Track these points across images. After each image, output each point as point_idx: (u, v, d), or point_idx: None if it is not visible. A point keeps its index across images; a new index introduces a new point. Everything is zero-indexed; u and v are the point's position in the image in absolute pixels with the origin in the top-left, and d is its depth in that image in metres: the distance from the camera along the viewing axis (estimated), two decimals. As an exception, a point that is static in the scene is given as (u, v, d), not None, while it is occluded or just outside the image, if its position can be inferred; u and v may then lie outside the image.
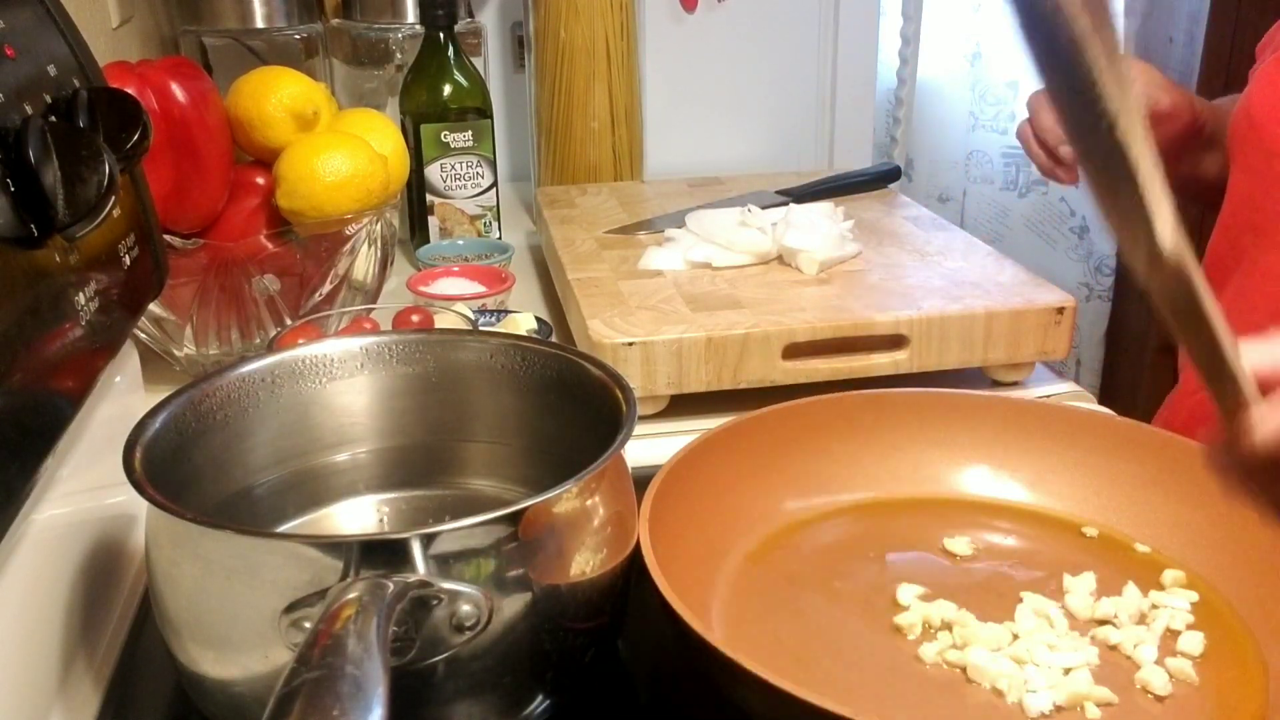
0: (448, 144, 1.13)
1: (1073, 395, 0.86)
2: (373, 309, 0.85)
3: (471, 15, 1.27)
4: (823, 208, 1.03)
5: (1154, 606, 0.61)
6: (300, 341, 0.63)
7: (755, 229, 0.96)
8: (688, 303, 0.86)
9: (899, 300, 0.86)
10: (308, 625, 0.43)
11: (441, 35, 1.13)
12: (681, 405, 0.82)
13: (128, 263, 0.60)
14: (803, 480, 0.70)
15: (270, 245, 0.83)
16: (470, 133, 1.13)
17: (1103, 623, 0.60)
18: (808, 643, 0.59)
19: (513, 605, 0.47)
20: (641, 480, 0.58)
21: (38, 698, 0.51)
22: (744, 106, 1.28)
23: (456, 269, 1.03)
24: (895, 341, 0.84)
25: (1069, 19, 0.37)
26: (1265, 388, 0.45)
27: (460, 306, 0.85)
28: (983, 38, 1.80)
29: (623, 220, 1.08)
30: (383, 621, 0.40)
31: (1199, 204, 0.95)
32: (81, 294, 0.53)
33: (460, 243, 1.14)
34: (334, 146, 0.84)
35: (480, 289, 0.99)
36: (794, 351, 0.82)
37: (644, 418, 0.82)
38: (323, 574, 0.44)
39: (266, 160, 0.86)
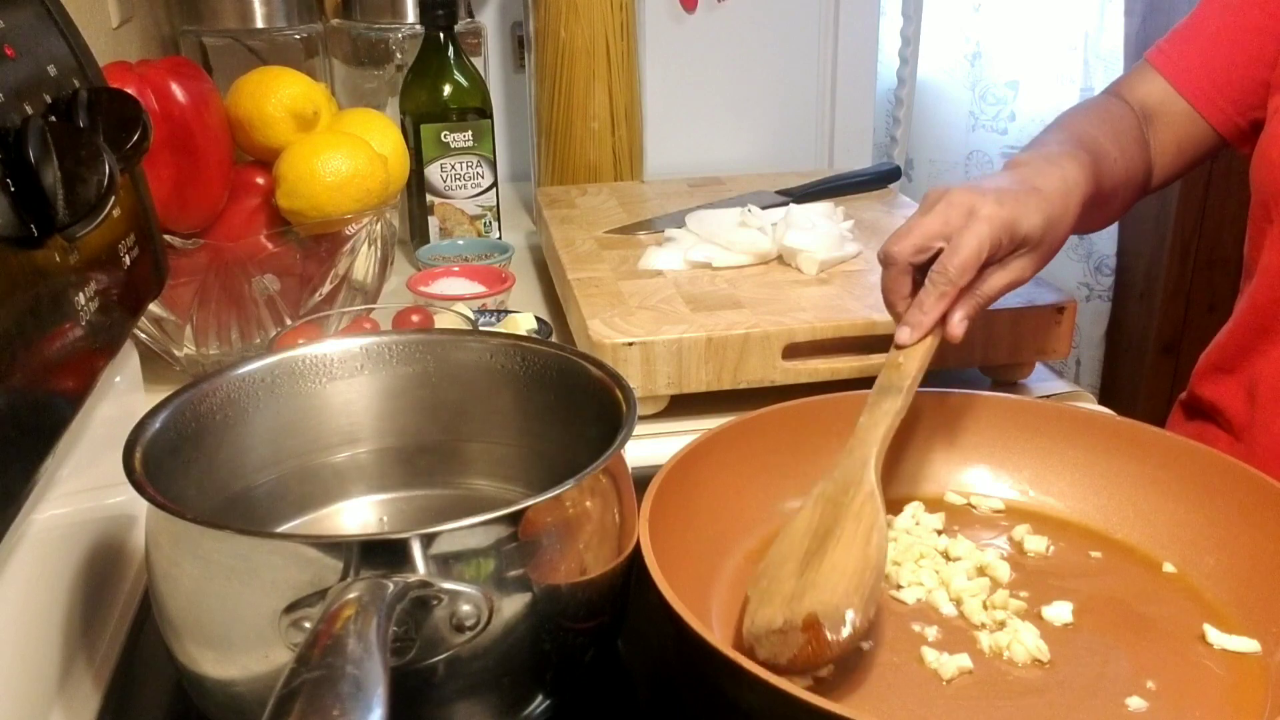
0: (448, 144, 1.13)
1: (1073, 395, 0.86)
2: (373, 309, 0.85)
3: (471, 15, 1.27)
4: (823, 208, 1.03)
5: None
6: (300, 341, 0.63)
7: (755, 229, 0.96)
8: (688, 303, 0.86)
9: (899, 300, 0.86)
10: (308, 625, 0.43)
11: (441, 35, 1.13)
12: (681, 405, 0.82)
13: (128, 263, 0.60)
14: (803, 480, 0.70)
15: (270, 245, 0.83)
16: (470, 133, 1.13)
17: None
18: (808, 643, 0.58)
19: (513, 605, 0.47)
20: (641, 480, 0.58)
21: (38, 698, 0.51)
22: (744, 106, 1.28)
23: (456, 269, 1.03)
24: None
25: None
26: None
27: (460, 306, 0.85)
28: (983, 38, 1.80)
29: (623, 220, 1.08)
30: (383, 621, 0.40)
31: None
32: (81, 294, 0.53)
33: (460, 243, 1.14)
34: (334, 146, 0.84)
35: (480, 289, 0.99)
36: (794, 351, 0.82)
37: (644, 418, 0.82)
38: (323, 574, 0.44)
39: (266, 160, 0.86)
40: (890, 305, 0.71)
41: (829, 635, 0.54)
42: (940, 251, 0.67)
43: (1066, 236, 0.72)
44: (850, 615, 0.54)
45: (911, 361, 0.66)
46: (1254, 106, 0.86)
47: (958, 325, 0.68)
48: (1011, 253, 0.68)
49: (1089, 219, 0.78)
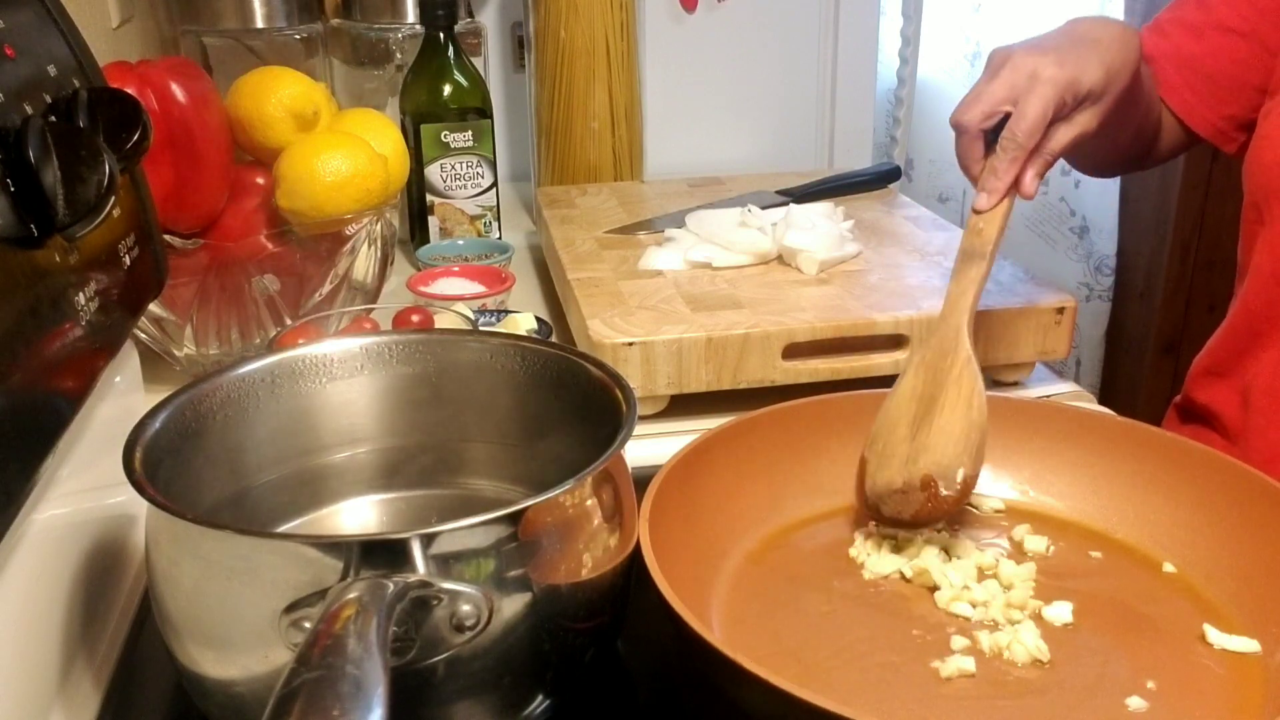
0: (448, 144, 1.13)
1: (1073, 395, 0.86)
2: (373, 309, 0.85)
3: (471, 15, 1.27)
4: (823, 208, 1.03)
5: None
6: (300, 341, 0.63)
7: (755, 229, 0.96)
8: (688, 303, 0.86)
9: (899, 300, 0.86)
10: (308, 625, 0.43)
11: (441, 35, 1.13)
12: (681, 405, 0.82)
13: (128, 263, 0.60)
14: (803, 480, 0.70)
15: (270, 245, 0.83)
16: (470, 133, 1.13)
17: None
18: (808, 643, 0.59)
19: (513, 605, 0.47)
20: (641, 480, 0.58)
21: (38, 698, 0.51)
22: (744, 106, 1.28)
23: (456, 269, 1.03)
24: (895, 341, 0.84)
25: None
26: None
27: (460, 306, 0.85)
28: (983, 38, 1.80)
29: (623, 220, 1.08)
30: (383, 621, 0.40)
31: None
32: (81, 294, 0.53)
33: (460, 243, 1.14)
34: (334, 146, 0.84)
35: (480, 289, 0.99)
36: (794, 351, 0.82)
37: (644, 418, 0.82)
38: (323, 574, 0.44)
39: (266, 160, 0.86)
40: (966, 169, 0.74)
41: (944, 492, 0.64)
42: (1008, 115, 0.71)
43: (1129, 85, 0.75)
44: (961, 473, 0.64)
45: (991, 226, 0.70)
46: (1224, 101, 0.86)
47: (1030, 184, 0.71)
48: (1075, 108, 0.72)
49: (1122, 124, 0.80)
